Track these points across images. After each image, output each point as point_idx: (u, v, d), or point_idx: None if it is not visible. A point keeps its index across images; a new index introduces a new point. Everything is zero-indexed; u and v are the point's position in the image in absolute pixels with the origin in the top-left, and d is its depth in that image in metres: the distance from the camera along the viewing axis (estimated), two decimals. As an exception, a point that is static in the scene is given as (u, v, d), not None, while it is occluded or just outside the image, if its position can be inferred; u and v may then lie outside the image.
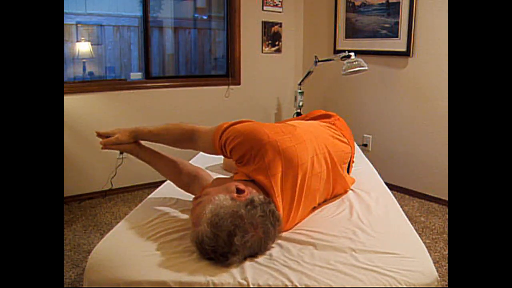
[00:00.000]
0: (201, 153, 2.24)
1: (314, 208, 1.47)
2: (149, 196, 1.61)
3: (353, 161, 1.77)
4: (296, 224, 1.33)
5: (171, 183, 1.60)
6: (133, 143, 1.48)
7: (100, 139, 1.46)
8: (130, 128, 1.46)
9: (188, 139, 1.39)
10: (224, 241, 1.02)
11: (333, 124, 1.68)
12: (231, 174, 1.43)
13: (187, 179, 1.50)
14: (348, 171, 1.65)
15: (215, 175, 1.87)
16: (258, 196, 1.13)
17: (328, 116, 1.79)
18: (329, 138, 1.52)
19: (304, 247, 1.16)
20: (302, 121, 1.68)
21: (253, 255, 1.09)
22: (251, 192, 1.15)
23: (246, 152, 1.21)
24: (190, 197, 1.54)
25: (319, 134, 1.48)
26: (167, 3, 3.44)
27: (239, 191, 1.15)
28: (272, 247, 1.16)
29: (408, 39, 3.01)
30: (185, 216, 1.36)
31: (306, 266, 1.05)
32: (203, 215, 1.07)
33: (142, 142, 1.53)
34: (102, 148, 1.44)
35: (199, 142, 1.37)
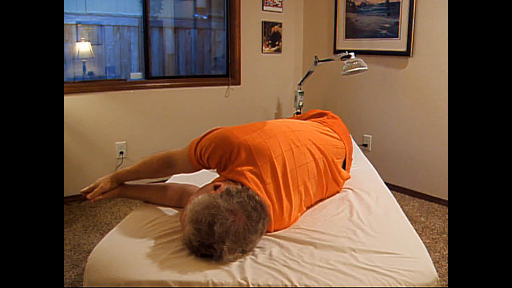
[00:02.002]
0: None
1: (313, 205, 1.47)
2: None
3: (351, 159, 1.77)
4: (296, 220, 1.33)
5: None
6: (118, 186, 1.51)
7: (87, 196, 1.48)
8: (110, 174, 1.51)
9: (166, 165, 1.42)
10: (206, 232, 1.04)
11: (324, 122, 1.70)
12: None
13: (177, 196, 1.52)
14: (344, 168, 1.66)
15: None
16: (235, 187, 1.16)
17: (322, 115, 1.81)
18: (314, 132, 1.54)
19: (304, 247, 1.16)
20: (282, 119, 1.70)
21: (248, 244, 1.10)
22: (227, 185, 1.18)
23: (221, 157, 1.27)
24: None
25: (300, 128, 1.50)
26: (167, 3, 3.44)
27: (216, 187, 1.19)
28: (270, 240, 1.16)
29: (408, 39, 3.01)
30: (185, 216, 1.36)
31: (306, 266, 1.06)
32: (185, 216, 1.11)
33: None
34: (92, 202, 1.48)
35: (178, 165, 1.40)
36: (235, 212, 1.08)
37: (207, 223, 1.04)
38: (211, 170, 1.42)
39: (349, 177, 1.66)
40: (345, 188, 1.64)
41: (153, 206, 1.48)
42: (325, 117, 1.78)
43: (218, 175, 1.37)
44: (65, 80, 2.98)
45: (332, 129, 1.64)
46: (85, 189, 1.48)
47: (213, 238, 1.04)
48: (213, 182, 1.30)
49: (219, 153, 1.27)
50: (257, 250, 1.15)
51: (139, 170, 1.47)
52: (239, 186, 1.18)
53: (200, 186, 1.38)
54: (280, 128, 1.40)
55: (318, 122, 1.69)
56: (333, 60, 3.03)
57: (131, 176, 1.50)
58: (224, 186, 1.18)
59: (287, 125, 1.46)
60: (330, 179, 1.52)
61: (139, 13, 3.21)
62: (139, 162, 1.48)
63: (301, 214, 1.39)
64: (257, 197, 1.16)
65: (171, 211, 1.43)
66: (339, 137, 1.63)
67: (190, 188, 1.52)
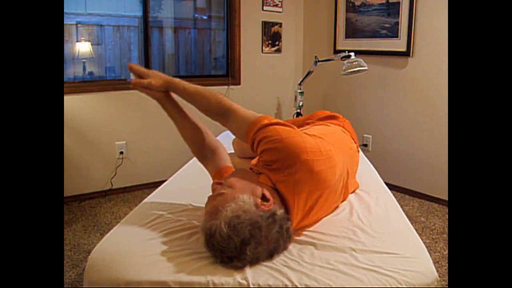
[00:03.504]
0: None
1: None
2: (149, 197, 1.61)
3: None
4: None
5: (170, 181, 1.59)
6: (163, 92, 1.38)
7: (132, 77, 1.35)
8: (166, 77, 1.36)
9: (221, 115, 1.30)
10: (236, 247, 1.00)
11: (343, 127, 1.67)
12: (252, 165, 1.36)
13: (205, 152, 1.44)
14: None
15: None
16: (280, 210, 1.10)
17: (333, 117, 1.76)
18: (350, 152, 1.49)
19: (304, 247, 1.16)
20: (331, 133, 1.52)
21: (255, 262, 1.08)
22: (274, 203, 1.11)
23: (279, 160, 1.14)
24: (189, 198, 1.54)
25: (345, 151, 1.43)
26: (167, 3, 3.44)
27: (264, 197, 1.10)
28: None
29: (408, 39, 3.01)
30: (185, 217, 1.36)
31: (306, 266, 1.05)
32: (223, 211, 1.04)
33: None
34: (131, 87, 1.35)
35: (232, 124, 1.28)
36: (269, 241, 1.05)
37: (241, 239, 1.00)
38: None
39: (358, 187, 1.63)
40: (345, 188, 1.64)
41: (153, 205, 1.48)
42: (338, 120, 1.73)
43: None
44: (65, 80, 2.98)
45: (353, 139, 1.61)
46: (136, 66, 1.35)
47: (238, 255, 1.01)
48: (257, 177, 1.20)
49: (281, 156, 1.13)
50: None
51: (194, 96, 1.33)
52: (282, 211, 1.11)
53: (240, 168, 1.28)
54: (339, 157, 1.29)
55: (343, 129, 1.64)
56: (333, 60, 3.03)
57: (182, 94, 1.35)
58: (271, 203, 1.10)
59: (341, 149, 1.37)
60: (344, 197, 1.50)
61: (139, 13, 3.21)
62: (199, 89, 1.34)
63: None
64: (291, 229, 1.11)
65: (171, 211, 1.42)
66: (356, 148, 1.60)
67: (222, 153, 1.44)
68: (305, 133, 1.25)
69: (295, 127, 1.21)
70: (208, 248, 1.06)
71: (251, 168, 1.29)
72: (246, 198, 1.07)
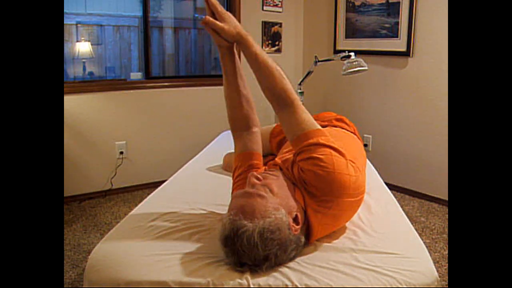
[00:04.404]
0: (208, 149, 2.22)
1: None
2: (149, 197, 1.61)
3: None
4: None
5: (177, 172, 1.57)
6: (231, 44, 1.27)
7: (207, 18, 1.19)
8: (241, 30, 1.22)
9: (280, 102, 1.21)
10: (256, 258, 1.00)
11: (354, 132, 1.68)
12: (280, 164, 1.29)
13: (240, 127, 1.37)
14: None
15: (215, 175, 1.86)
16: (302, 237, 1.10)
17: (341, 121, 1.77)
18: (364, 169, 1.50)
19: (304, 248, 1.16)
20: (359, 155, 1.46)
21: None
22: (301, 229, 1.10)
23: (319, 189, 1.11)
24: (189, 198, 1.54)
25: (364, 173, 1.43)
26: (167, 3, 3.44)
27: (296, 220, 1.08)
28: None
29: (408, 39, 3.01)
30: (185, 217, 1.36)
31: (306, 266, 1.05)
32: (260, 218, 1.00)
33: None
34: (202, 23, 1.20)
35: (286, 118, 1.20)
36: (285, 262, 1.06)
37: (265, 254, 0.99)
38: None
39: None
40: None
41: (154, 205, 1.48)
42: (346, 123, 1.74)
43: None
44: (65, 80, 2.98)
45: (362, 144, 1.64)
46: (214, 1, 1.19)
47: (253, 265, 1.01)
48: (295, 194, 1.14)
49: (321, 186, 1.10)
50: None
51: (261, 70, 1.21)
52: (303, 238, 1.11)
53: (278, 171, 1.21)
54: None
55: (355, 135, 1.66)
56: (333, 60, 3.03)
57: (250, 59, 1.22)
58: (299, 228, 1.08)
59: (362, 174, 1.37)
60: None
61: (139, 13, 3.21)
62: (270, 64, 1.21)
63: None
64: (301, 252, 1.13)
65: (171, 211, 1.42)
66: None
67: (257, 138, 1.38)
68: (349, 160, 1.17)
69: (348, 157, 1.14)
70: (224, 243, 1.02)
71: (280, 168, 1.25)
72: (284, 215, 1.04)
